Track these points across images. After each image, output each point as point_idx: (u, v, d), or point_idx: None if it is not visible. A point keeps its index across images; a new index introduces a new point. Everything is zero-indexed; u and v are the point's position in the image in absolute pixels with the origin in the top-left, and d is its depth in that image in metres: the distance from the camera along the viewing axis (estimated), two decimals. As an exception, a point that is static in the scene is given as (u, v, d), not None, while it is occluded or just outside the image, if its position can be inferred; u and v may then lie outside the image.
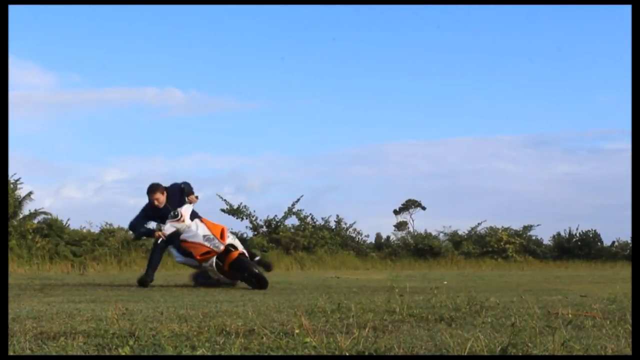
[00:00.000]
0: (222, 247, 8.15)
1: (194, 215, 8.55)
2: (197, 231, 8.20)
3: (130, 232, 8.76)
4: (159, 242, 8.75)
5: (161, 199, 8.73)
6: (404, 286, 7.63)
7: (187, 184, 8.88)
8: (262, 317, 4.04)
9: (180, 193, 8.76)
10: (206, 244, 8.14)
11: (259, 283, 8.08)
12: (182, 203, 8.59)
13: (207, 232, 8.18)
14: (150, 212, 8.90)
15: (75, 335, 3.18)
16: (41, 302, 5.39)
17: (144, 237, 9.16)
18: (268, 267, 9.23)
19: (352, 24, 40.86)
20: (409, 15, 40.34)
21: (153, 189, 8.77)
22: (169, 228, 8.32)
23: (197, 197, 8.75)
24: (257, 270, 8.20)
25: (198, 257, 8.30)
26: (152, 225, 9.28)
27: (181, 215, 8.23)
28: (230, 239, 8.37)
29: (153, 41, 40.69)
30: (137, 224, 8.95)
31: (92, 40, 39.85)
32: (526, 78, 42.61)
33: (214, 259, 8.20)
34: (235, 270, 8.25)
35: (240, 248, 8.46)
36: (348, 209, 51.96)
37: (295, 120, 41.70)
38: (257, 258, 9.01)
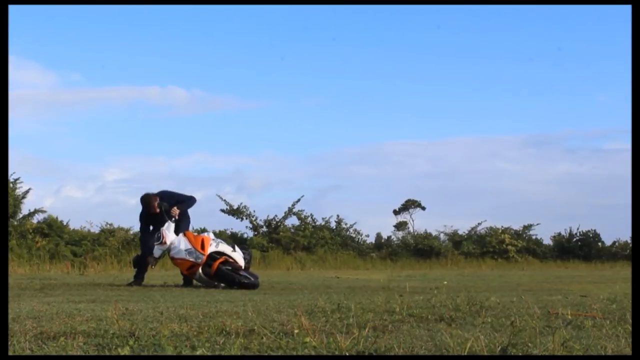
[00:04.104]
0: (203, 258, 8.37)
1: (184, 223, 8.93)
2: (179, 246, 8.53)
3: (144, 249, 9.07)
4: (152, 267, 9.19)
5: (157, 206, 8.98)
6: (403, 286, 7.65)
7: (192, 200, 9.20)
8: (262, 317, 4.04)
9: (175, 202, 9.04)
10: (188, 257, 8.44)
11: (248, 289, 8.13)
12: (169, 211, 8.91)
13: (189, 246, 8.49)
14: (148, 217, 9.14)
15: (75, 335, 3.18)
16: (41, 302, 5.39)
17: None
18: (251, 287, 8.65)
19: (352, 24, 40.91)
20: (409, 15, 40.40)
21: (149, 201, 9.00)
22: (156, 251, 8.73)
23: (178, 209, 8.94)
24: (242, 280, 8.26)
25: (185, 272, 8.69)
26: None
27: (163, 237, 8.62)
28: (213, 247, 8.49)
29: (155, 40, 40.83)
30: (146, 238, 9.13)
31: (93, 39, 39.99)
32: (526, 78, 42.69)
33: (200, 271, 8.44)
34: (220, 280, 8.42)
35: (228, 253, 8.52)
36: (348, 209, 52.04)
37: (296, 120, 41.79)
38: (247, 252, 8.95)
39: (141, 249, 9.37)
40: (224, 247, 8.57)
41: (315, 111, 41.68)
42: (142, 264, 9.15)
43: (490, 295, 6.26)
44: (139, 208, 9.26)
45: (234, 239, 20.78)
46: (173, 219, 8.80)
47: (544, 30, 41.51)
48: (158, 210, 8.93)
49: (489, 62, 42.36)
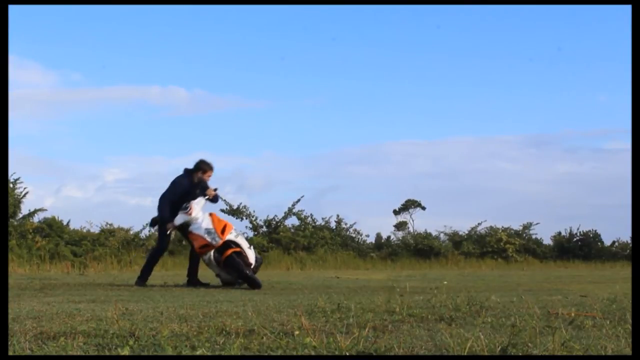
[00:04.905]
0: (219, 242, 8.36)
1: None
2: (201, 224, 8.48)
3: (158, 214, 8.91)
4: (168, 232, 8.91)
5: (208, 176, 8.95)
6: (404, 286, 7.64)
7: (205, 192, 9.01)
8: (262, 317, 4.04)
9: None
10: (206, 236, 8.40)
11: (249, 284, 8.22)
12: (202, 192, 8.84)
13: (210, 226, 8.45)
14: (189, 186, 8.85)
15: (75, 335, 3.18)
16: (41, 302, 5.39)
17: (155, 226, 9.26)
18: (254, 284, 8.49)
19: (352, 24, 40.90)
20: (409, 15, 40.38)
21: (211, 167, 8.98)
22: (178, 219, 8.62)
23: (215, 190, 8.91)
24: (247, 273, 8.29)
25: (197, 250, 8.63)
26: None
27: (190, 208, 8.53)
28: (233, 236, 8.52)
29: (156, 40, 40.77)
30: (165, 206, 8.83)
31: (93, 39, 39.91)
32: (526, 78, 42.64)
33: (212, 253, 8.43)
34: (229, 267, 8.44)
35: (244, 247, 8.57)
36: (348, 209, 51.94)
37: (296, 120, 41.73)
38: (255, 258, 8.92)
39: (159, 232, 9.04)
40: (242, 241, 8.66)
41: (315, 111, 41.63)
42: (150, 263, 9.09)
43: (490, 295, 6.26)
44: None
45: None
46: (207, 197, 8.76)
47: (544, 30, 41.50)
48: (208, 179, 8.87)
49: (489, 62, 42.32)
